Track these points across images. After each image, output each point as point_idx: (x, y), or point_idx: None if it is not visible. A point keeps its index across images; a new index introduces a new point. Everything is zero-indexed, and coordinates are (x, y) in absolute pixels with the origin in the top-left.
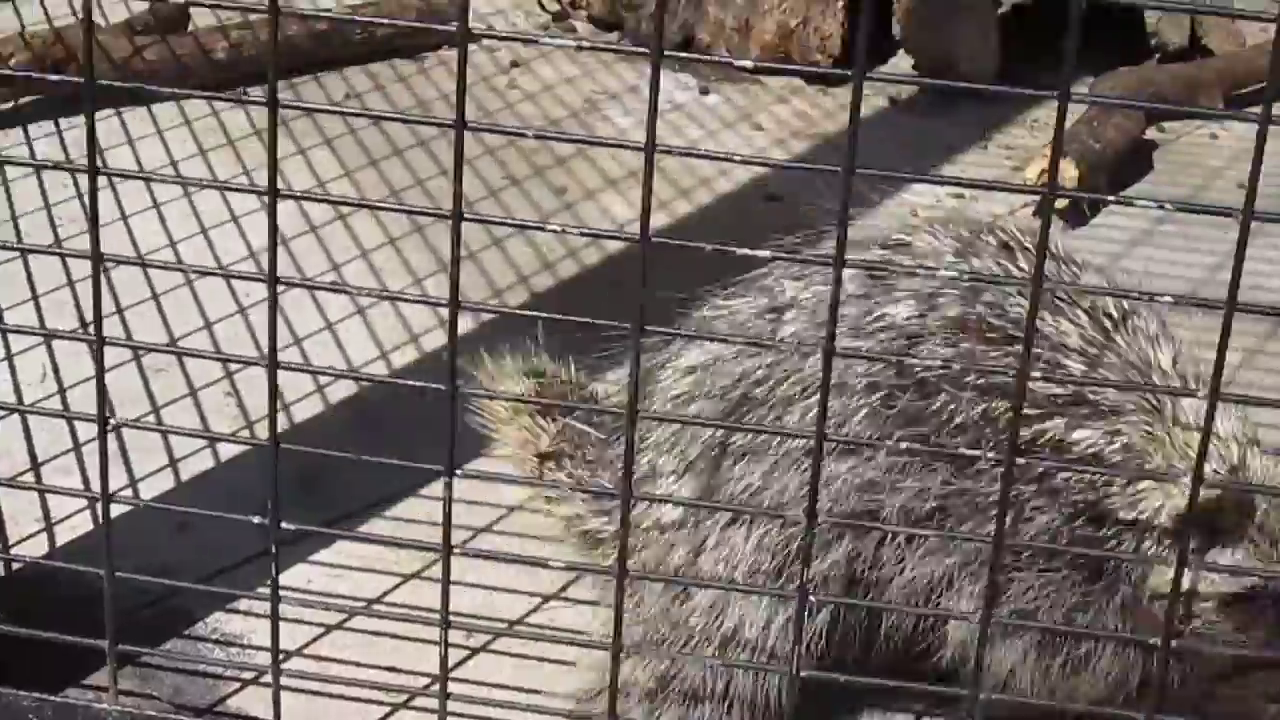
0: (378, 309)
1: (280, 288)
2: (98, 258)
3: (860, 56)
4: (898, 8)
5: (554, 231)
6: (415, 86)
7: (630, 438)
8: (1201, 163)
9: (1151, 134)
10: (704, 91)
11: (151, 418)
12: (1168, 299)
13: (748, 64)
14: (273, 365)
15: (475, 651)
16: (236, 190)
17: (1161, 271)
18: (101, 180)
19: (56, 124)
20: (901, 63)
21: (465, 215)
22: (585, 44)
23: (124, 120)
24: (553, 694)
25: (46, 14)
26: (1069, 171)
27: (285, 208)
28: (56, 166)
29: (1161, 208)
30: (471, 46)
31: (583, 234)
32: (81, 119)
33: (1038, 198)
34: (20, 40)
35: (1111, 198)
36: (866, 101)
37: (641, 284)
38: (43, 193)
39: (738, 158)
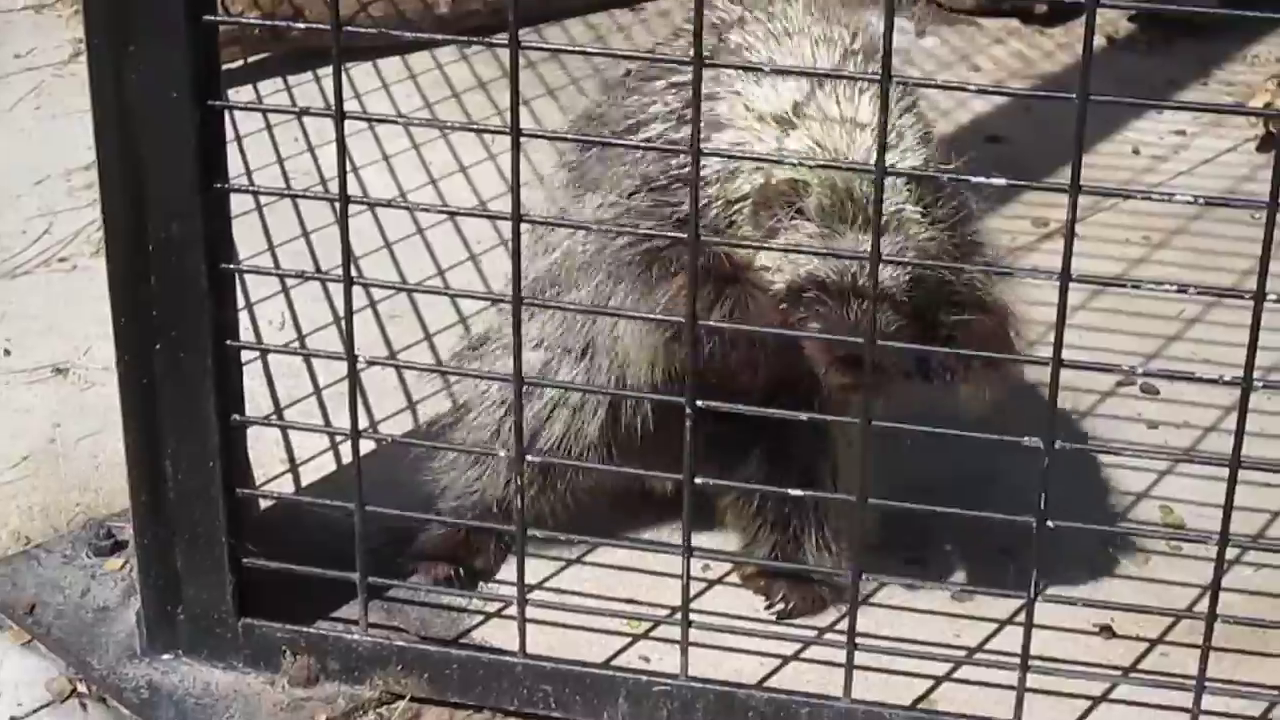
0: None
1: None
2: (345, 199)
3: None
4: None
5: (790, 165)
6: (634, 36)
7: None
8: None
9: None
10: (921, 34)
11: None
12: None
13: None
14: (516, 303)
15: (712, 584)
16: (480, 131)
17: None
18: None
19: (285, 80)
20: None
21: (703, 150)
22: None
23: (350, 75)
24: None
25: None
26: None
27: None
28: (304, 112)
29: None
30: None
31: (817, 166)
32: (306, 75)
33: (1261, 134)
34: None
35: None
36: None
37: (876, 214)
38: (274, 147)
39: (972, 87)
